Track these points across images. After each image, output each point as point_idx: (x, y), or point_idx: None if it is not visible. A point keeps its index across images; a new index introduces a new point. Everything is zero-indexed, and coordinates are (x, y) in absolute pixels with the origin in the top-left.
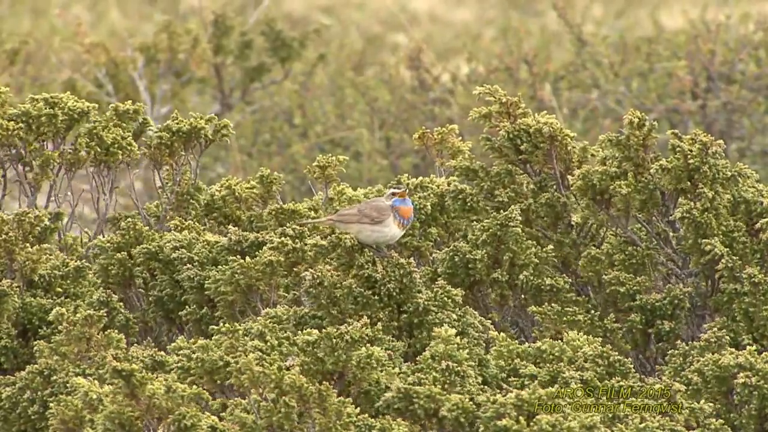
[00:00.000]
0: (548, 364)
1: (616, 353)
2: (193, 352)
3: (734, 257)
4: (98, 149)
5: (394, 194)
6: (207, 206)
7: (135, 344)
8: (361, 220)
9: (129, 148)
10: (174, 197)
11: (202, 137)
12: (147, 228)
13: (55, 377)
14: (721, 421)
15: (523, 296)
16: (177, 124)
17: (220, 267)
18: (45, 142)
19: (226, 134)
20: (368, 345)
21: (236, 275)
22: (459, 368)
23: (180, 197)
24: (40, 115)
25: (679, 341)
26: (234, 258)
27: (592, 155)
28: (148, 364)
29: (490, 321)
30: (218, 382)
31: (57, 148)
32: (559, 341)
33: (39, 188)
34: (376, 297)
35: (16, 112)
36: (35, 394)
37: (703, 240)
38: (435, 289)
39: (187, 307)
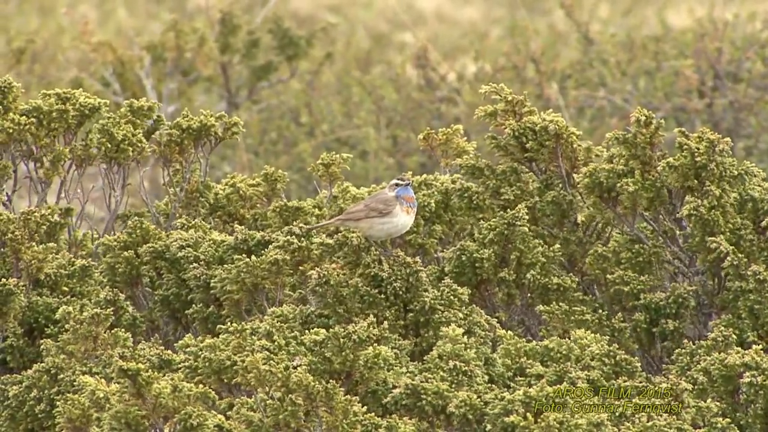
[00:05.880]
0: (555, 363)
1: (623, 352)
2: (201, 351)
3: (740, 255)
4: (109, 145)
5: (397, 185)
6: (212, 204)
7: (142, 341)
8: (370, 215)
9: (140, 144)
10: (183, 195)
11: (212, 135)
12: (154, 227)
13: (61, 376)
14: (728, 420)
15: (530, 295)
16: (187, 121)
17: (226, 266)
18: (56, 138)
19: (236, 132)
20: (375, 345)
21: (242, 274)
22: (466, 368)
23: (189, 195)
24: (51, 111)
25: (685, 340)
26: (240, 257)
27: (597, 155)
28: (155, 363)
29: (496, 320)
30: (225, 381)
31: (68, 144)
32: (566, 340)
33: (49, 184)
34: (382, 296)
35: (28, 107)
36: (42, 393)
37: (709, 238)
38: (441, 288)
39: (193, 306)
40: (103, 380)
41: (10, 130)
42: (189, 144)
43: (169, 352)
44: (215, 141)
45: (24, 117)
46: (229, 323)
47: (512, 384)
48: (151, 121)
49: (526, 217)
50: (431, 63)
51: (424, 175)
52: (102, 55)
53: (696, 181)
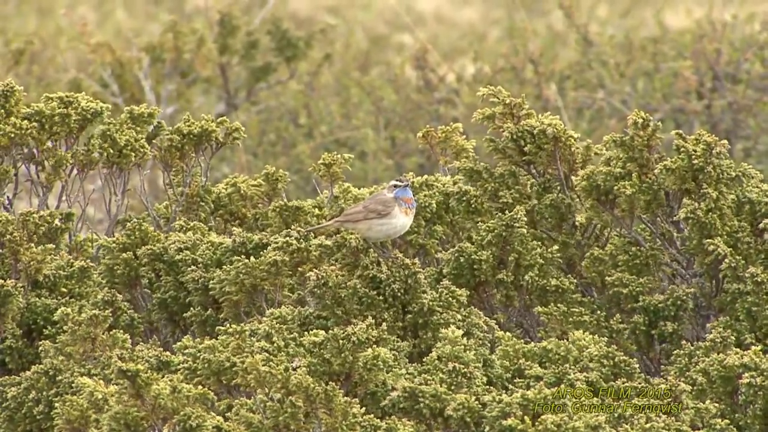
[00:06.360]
0: (554, 365)
1: (622, 353)
2: (200, 353)
3: (738, 257)
4: (111, 151)
5: (396, 186)
6: (213, 204)
7: (140, 343)
8: (368, 216)
9: (142, 150)
10: (184, 199)
11: (213, 140)
12: (153, 229)
13: (60, 377)
14: (727, 421)
15: (528, 297)
16: (188, 126)
17: (224, 267)
18: (57, 142)
19: (238, 137)
20: (374, 346)
21: (241, 275)
22: (465, 370)
23: (190, 199)
24: (53, 115)
25: (684, 341)
26: (239, 258)
27: (596, 154)
28: (154, 364)
29: (495, 322)
30: (224, 383)
31: (69, 148)
32: (565, 341)
33: (51, 188)
34: (380, 297)
35: (30, 111)
36: (40, 394)
37: (707, 240)
38: (440, 290)
39: (191, 308)
40: (101, 381)
41: (12, 134)
42: (190, 149)
43: (168, 353)
44: (216, 146)
45: (26, 121)
46: (228, 325)
47: (511, 386)
48: (152, 127)
49: (524, 218)
50: (430, 64)
51: (426, 176)
52: (101, 56)
53: (693, 184)
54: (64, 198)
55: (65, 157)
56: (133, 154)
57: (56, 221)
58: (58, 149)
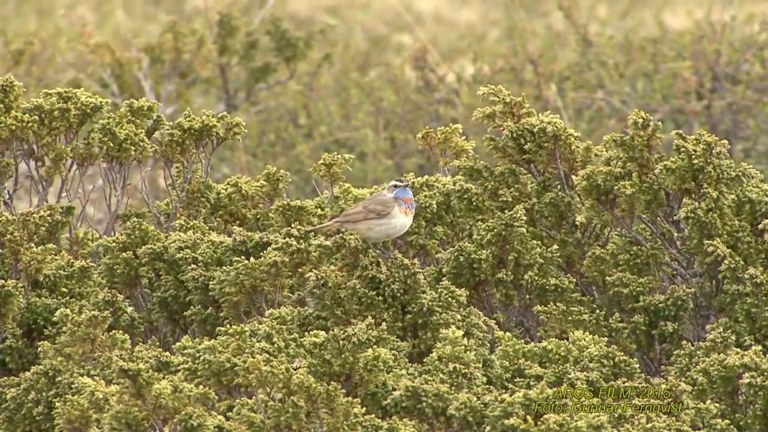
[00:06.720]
0: (554, 365)
1: (622, 353)
2: (199, 353)
3: (738, 258)
4: (111, 145)
5: (396, 186)
6: (213, 204)
7: (140, 343)
8: (368, 216)
9: (142, 144)
10: (184, 195)
11: (213, 135)
12: (153, 228)
13: (59, 378)
14: (727, 421)
15: (528, 296)
16: (189, 121)
17: (224, 267)
18: (57, 137)
19: (238, 132)
20: (375, 347)
21: (241, 276)
22: (466, 370)
23: (190, 195)
24: (52, 110)
25: (684, 341)
26: (238, 259)
27: (596, 155)
28: (153, 364)
29: (494, 321)
30: (225, 383)
31: (69, 143)
32: (565, 341)
33: (51, 183)
34: (380, 298)
35: (29, 106)
36: (40, 395)
37: (707, 241)
38: (439, 290)
39: (191, 307)
40: (102, 382)
41: (13, 127)
42: (190, 144)
43: (167, 354)
44: (217, 141)
45: (26, 115)
46: (228, 325)
47: (511, 385)
48: (152, 121)
49: (524, 218)
50: (429, 65)
51: (426, 177)
52: (100, 56)
53: (693, 184)
54: (63, 194)
55: (65, 150)
56: (133, 148)
57: (56, 215)
58: (57, 143)
